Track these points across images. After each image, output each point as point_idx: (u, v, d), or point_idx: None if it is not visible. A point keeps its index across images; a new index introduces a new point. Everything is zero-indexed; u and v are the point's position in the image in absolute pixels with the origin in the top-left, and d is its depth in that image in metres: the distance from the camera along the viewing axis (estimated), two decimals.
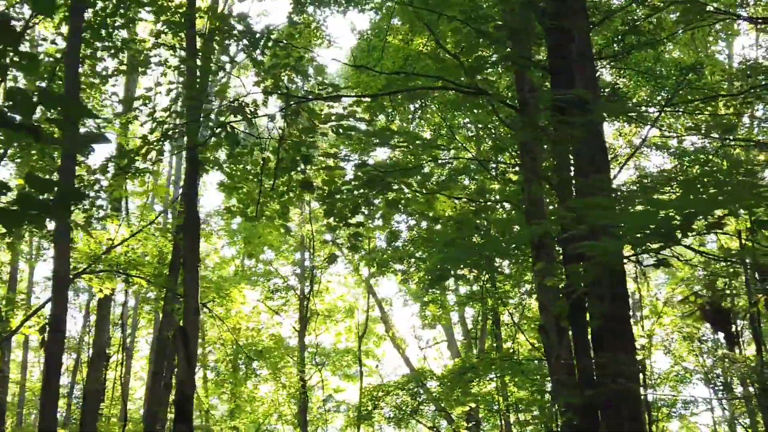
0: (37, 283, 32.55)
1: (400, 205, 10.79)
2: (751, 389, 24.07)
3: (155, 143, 12.55)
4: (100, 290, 19.56)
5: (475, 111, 18.47)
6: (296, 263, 35.88)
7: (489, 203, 12.21)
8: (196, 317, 12.30)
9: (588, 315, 11.13)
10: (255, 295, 35.85)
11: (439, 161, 26.54)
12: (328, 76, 33.92)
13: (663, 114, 18.37)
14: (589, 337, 11.29)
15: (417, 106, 23.35)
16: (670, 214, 5.93)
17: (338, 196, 11.98)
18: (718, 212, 7.08)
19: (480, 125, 22.28)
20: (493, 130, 22.49)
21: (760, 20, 17.15)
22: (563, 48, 12.08)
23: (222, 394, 35.19)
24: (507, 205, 17.02)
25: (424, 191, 12.14)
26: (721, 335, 32.46)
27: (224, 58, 13.00)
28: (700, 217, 6.36)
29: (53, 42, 15.42)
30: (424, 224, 18.60)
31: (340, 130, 11.84)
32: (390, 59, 22.19)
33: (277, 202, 12.46)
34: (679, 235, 6.08)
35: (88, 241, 18.90)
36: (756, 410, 24.28)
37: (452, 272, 8.52)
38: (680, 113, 18.49)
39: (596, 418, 10.70)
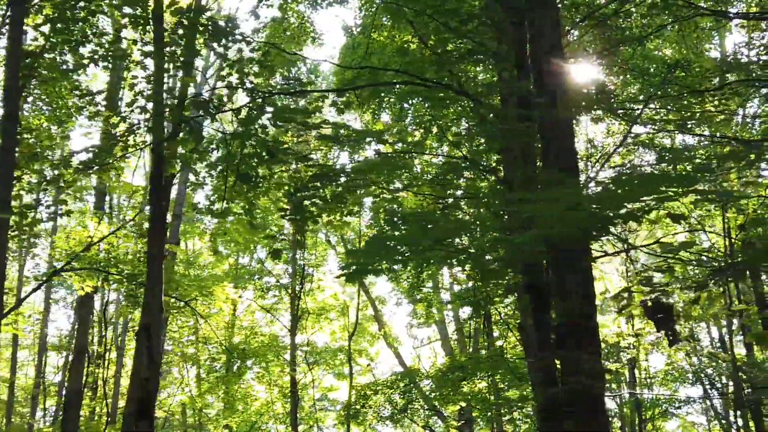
0: (27, 281, 32.39)
1: (350, 201, 10.60)
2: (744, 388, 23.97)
3: (120, 138, 12.44)
4: (81, 288, 19.44)
5: (461, 108, 18.33)
6: (288, 262, 35.73)
7: (455, 200, 12.04)
8: (159, 314, 12.18)
9: (554, 313, 11.02)
10: (247, 294, 35.82)
11: (431, 159, 26.52)
12: (321, 74, 33.94)
13: (652, 111, 18.21)
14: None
15: (409, 103, 23.19)
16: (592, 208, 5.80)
17: (305, 193, 11.86)
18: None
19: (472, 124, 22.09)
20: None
21: (751, 16, 16.94)
22: (533, 41, 11.95)
23: (209, 392, 35.04)
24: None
25: (391, 188, 12.02)
26: (715, 335, 32.23)
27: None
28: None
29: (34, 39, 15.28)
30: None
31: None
32: (376, 56, 22.02)
33: (242, 197, 12.32)
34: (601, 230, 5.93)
35: (67, 238, 18.81)
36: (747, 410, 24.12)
37: (373, 267, 8.32)
38: (669, 110, 18.31)
39: (560, 416, 10.57)
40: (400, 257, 7.92)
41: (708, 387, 25.87)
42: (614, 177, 7.42)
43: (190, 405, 36.32)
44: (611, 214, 5.96)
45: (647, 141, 21.59)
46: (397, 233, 8.45)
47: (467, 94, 11.76)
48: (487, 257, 8.98)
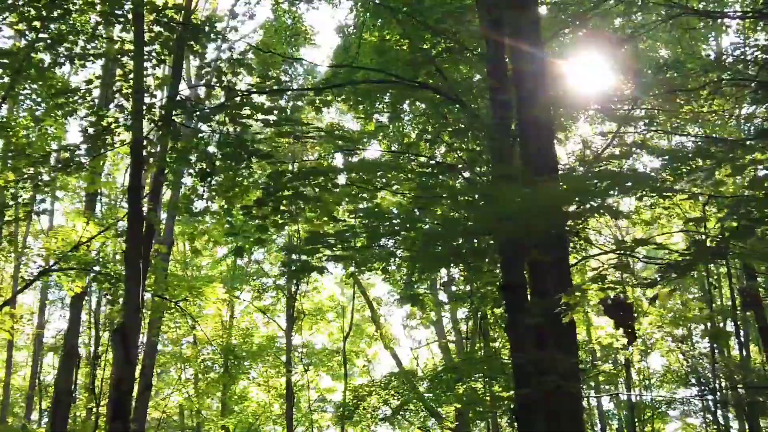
0: (22, 280, 32.30)
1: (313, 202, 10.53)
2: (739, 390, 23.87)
3: (95, 137, 12.40)
4: (70, 288, 19.41)
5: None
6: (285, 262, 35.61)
7: (432, 199, 11.95)
8: (136, 315, 12.13)
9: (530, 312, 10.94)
10: (244, 295, 35.80)
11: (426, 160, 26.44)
12: (317, 74, 33.90)
13: (642, 112, 18.14)
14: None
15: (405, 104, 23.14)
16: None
17: (282, 193, 11.80)
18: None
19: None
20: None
21: (734, 15, 16.87)
22: (512, 41, 11.88)
23: (206, 393, 34.97)
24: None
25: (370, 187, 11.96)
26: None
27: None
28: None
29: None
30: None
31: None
32: (367, 56, 21.95)
33: (221, 197, 12.28)
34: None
35: (55, 238, 18.79)
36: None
37: (312, 265, 8.30)
38: (658, 110, 18.24)
39: (532, 416, 10.51)
40: (341, 255, 7.91)
41: (701, 388, 25.77)
42: (563, 174, 7.38)
43: (188, 406, 36.29)
44: (556, 211, 5.91)
45: (640, 141, 21.53)
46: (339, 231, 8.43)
47: (442, 92, 11.71)
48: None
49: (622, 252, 18.00)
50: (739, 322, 27.90)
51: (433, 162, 17.58)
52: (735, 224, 6.99)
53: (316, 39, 26.21)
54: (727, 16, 16.24)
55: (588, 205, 6.74)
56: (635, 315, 8.28)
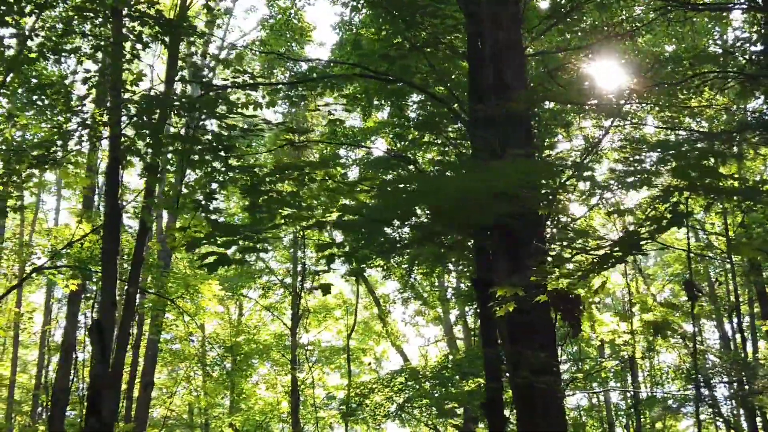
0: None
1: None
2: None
3: (72, 133, 12.39)
4: (66, 286, 19.43)
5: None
6: (290, 260, 35.66)
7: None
8: (112, 310, 12.11)
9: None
10: (251, 293, 35.85)
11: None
12: (320, 71, 33.82)
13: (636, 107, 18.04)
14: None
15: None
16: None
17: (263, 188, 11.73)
18: None
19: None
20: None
21: (716, 7, 16.62)
22: (492, 35, 11.78)
23: (214, 392, 35.03)
24: None
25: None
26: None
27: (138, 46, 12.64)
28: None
29: None
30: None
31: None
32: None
33: (200, 193, 12.21)
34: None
35: (48, 236, 18.85)
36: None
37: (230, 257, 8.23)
38: (651, 105, 18.10)
39: (500, 411, 10.42)
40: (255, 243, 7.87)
41: (702, 385, 25.56)
42: (494, 163, 7.30)
43: (195, 404, 36.39)
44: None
45: (640, 137, 21.37)
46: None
47: (417, 86, 11.64)
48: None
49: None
50: (744, 318, 27.72)
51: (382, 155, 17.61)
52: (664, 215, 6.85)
53: (317, 35, 26.16)
54: (715, 8, 16.03)
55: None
56: (581, 308, 8.15)
